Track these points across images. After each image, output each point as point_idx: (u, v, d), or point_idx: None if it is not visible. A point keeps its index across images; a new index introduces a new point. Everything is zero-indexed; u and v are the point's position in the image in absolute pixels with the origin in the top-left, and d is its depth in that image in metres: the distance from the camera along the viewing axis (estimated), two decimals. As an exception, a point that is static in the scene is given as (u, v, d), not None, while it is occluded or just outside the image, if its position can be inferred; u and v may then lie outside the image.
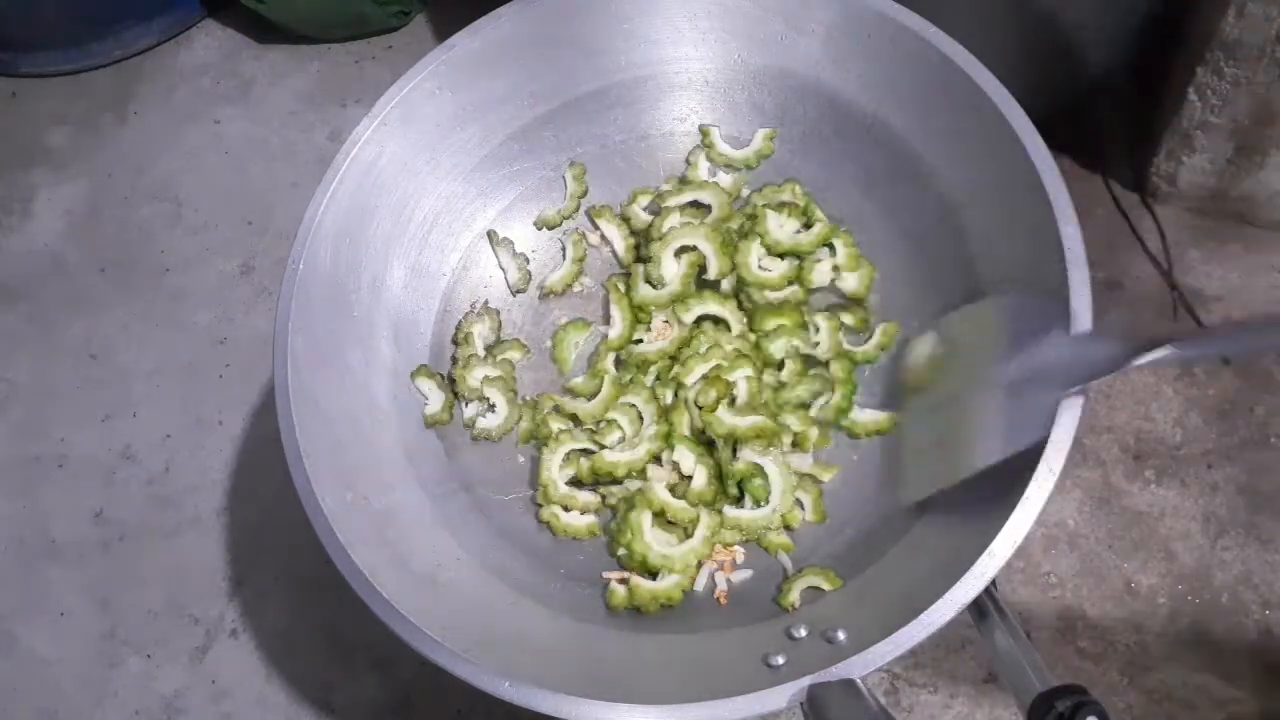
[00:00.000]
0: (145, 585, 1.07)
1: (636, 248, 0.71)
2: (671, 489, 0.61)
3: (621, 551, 0.60)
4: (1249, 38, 0.85)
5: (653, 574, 0.60)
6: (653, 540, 0.60)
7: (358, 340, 0.64)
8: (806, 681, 0.45)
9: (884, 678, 0.89)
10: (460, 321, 0.70)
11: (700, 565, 0.60)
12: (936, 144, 0.63)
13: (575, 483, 0.64)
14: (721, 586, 0.60)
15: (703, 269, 0.67)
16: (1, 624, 1.07)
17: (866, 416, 0.63)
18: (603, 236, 0.72)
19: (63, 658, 1.05)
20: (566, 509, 0.63)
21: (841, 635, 0.51)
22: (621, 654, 0.56)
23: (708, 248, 0.66)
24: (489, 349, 0.69)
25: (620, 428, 0.64)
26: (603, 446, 0.64)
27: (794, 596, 0.57)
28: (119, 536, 1.10)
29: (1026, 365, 0.51)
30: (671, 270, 0.67)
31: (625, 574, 0.60)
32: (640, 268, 0.68)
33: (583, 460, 0.63)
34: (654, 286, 0.67)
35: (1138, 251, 1.05)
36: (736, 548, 0.61)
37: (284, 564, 1.05)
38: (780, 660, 0.50)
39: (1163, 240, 1.04)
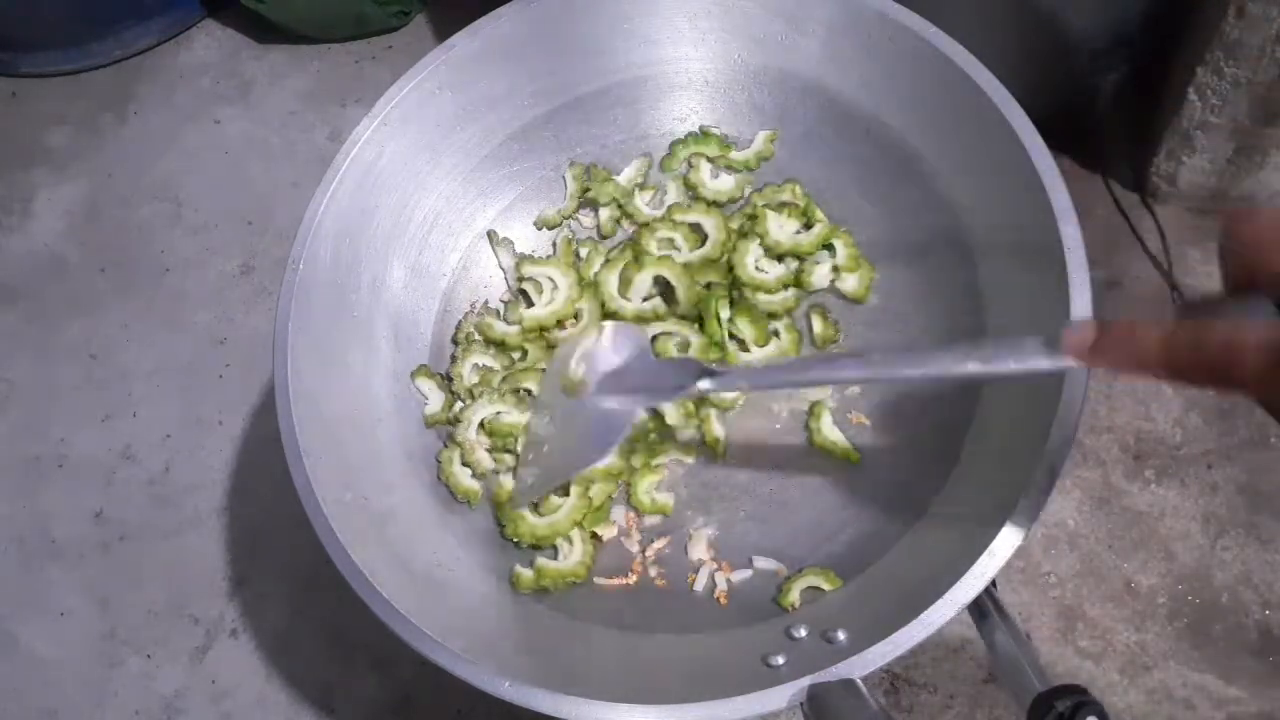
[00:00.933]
0: (145, 585, 1.07)
1: (618, 221, 0.72)
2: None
3: (516, 540, 0.62)
4: (1249, 38, 0.85)
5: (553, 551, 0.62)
6: (535, 519, 0.62)
7: (358, 340, 0.64)
8: (806, 682, 0.45)
9: (884, 678, 0.90)
10: (460, 321, 0.70)
11: (583, 523, 0.62)
12: (936, 144, 0.63)
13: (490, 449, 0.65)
14: (721, 586, 0.60)
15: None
16: (1, 624, 1.07)
17: (837, 437, 0.63)
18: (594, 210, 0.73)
19: (63, 658, 1.05)
20: (465, 462, 0.64)
21: (841, 635, 0.51)
22: (621, 654, 0.56)
23: (681, 289, 0.67)
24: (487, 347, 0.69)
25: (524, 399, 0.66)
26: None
27: (794, 596, 0.57)
28: (119, 536, 1.10)
29: (614, 383, 0.59)
30: (643, 287, 0.67)
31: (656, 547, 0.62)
32: (608, 250, 0.69)
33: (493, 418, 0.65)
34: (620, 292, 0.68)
35: (1138, 251, 1.05)
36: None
37: (284, 564, 1.05)
38: (780, 660, 0.50)
39: (1163, 240, 1.04)
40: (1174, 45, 0.99)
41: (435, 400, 0.66)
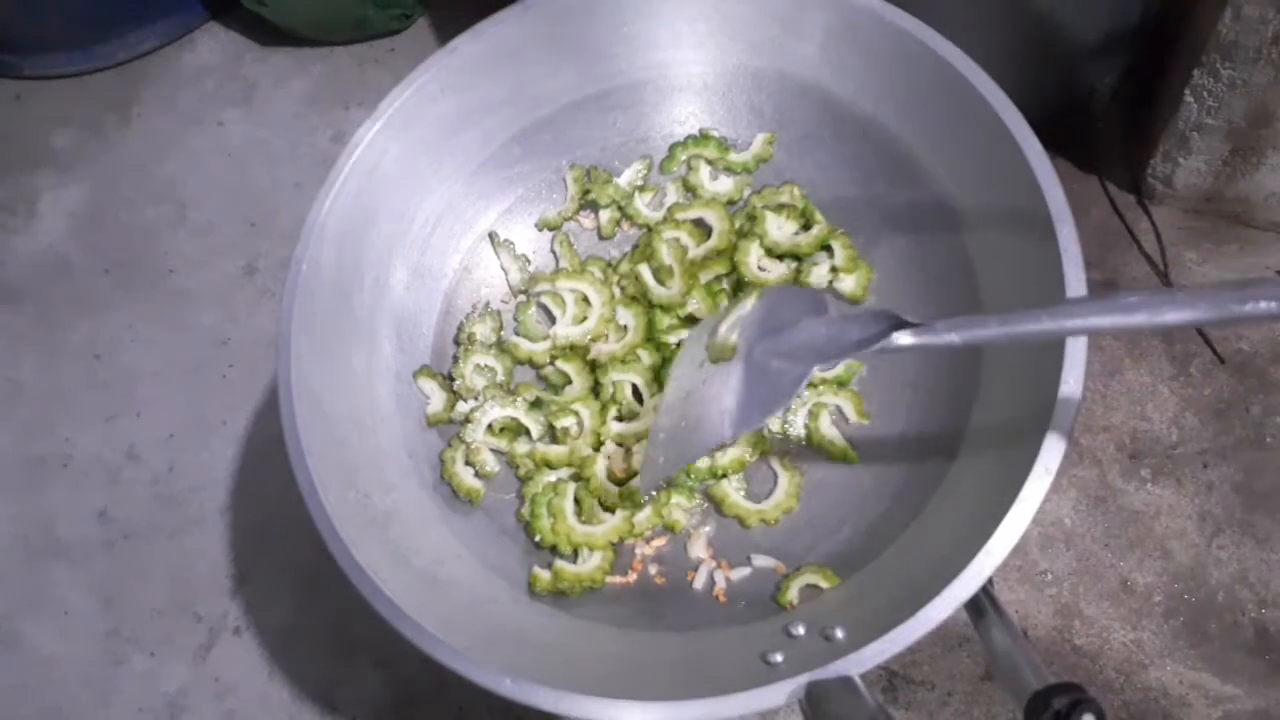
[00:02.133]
0: (149, 584, 1.07)
1: (618, 223, 0.72)
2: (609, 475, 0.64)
3: (539, 537, 0.62)
4: (1245, 40, 0.86)
5: (574, 557, 0.62)
6: (575, 522, 0.62)
7: (360, 341, 0.65)
8: (805, 679, 0.46)
9: (882, 675, 0.90)
10: (462, 322, 0.70)
11: (620, 543, 0.63)
12: (933, 146, 0.63)
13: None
14: (720, 584, 0.61)
15: None
16: (7, 622, 1.08)
17: (835, 436, 0.64)
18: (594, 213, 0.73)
19: (67, 656, 1.05)
20: (469, 462, 0.65)
21: (840, 633, 0.51)
22: (621, 651, 0.57)
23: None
24: (489, 348, 0.70)
25: (576, 415, 0.66)
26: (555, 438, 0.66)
27: (792, 594, 0.58)
28: (123, 535, 1.10)
29: (777, 345, 0.51)
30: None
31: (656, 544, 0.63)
32: (638, 269, 0.69)
33: (520, 444, 0.65)
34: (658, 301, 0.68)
35: (1134, 252, 1.05)
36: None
37: (287, 562, 1.05)
38: (779, 658, 0.51)
39: (1159, 241, 1.04)
40: (1170, 47, 0.99)
41: (437, 400, 0.67)
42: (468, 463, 0.65)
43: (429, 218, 0.70)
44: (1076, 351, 0.50)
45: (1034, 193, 0.54)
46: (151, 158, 1.36)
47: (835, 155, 0.68)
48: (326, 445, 0.57)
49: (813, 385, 0.65)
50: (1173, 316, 0.39)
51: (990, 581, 0.49)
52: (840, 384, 0.65)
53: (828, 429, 0.64)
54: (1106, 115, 1.10)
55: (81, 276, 1.28)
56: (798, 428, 0.65)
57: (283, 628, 1.03)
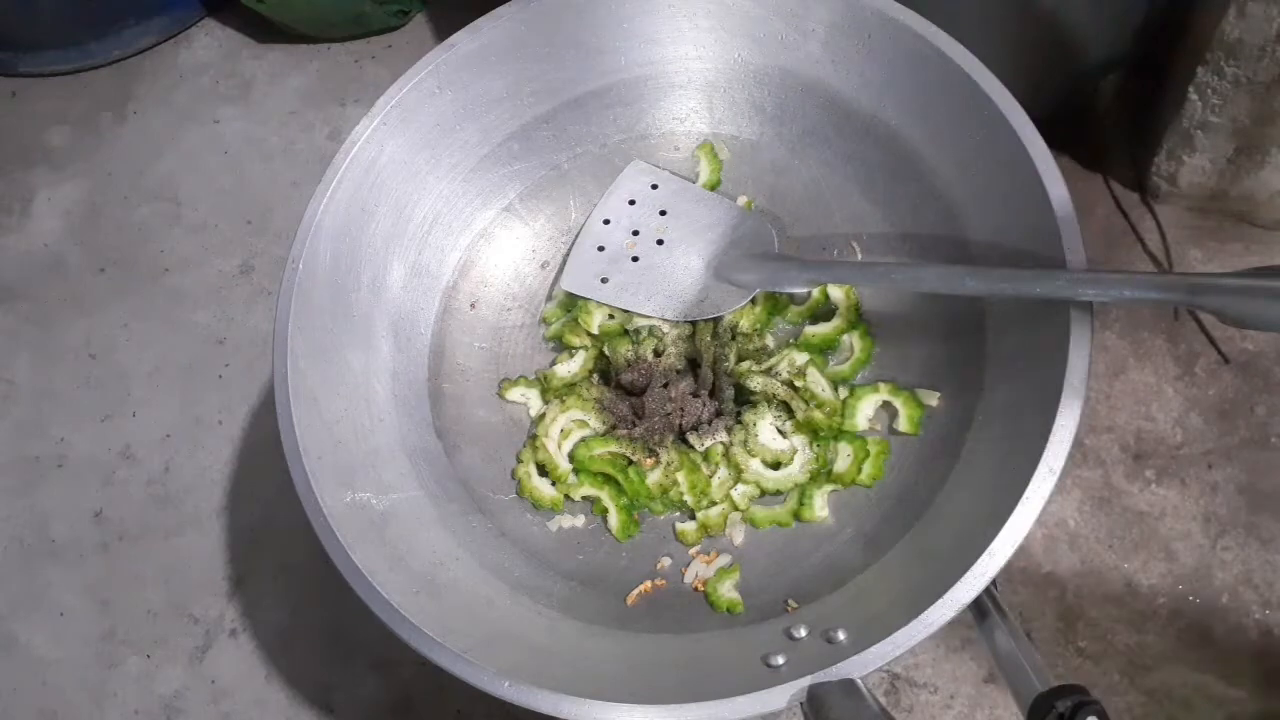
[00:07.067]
0: (145, 585, 1.07)
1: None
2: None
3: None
4: (1249, 37, 0.85)
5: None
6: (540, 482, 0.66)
7: (357, 340, 0.64)
8: (806, 681, 0.45)
9: (884, 678, 0.89)
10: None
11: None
12: (936, 143, 0.63)
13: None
14: (705, 575, 0.60)
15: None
16: (2, 625, 1.07)
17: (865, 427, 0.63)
18: None
19: (62, 658, 1.05)
20: (543, 472, 0.64)
21: (841, 635, 0.50)
22: (621, 654, 0.56)
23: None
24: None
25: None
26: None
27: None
28: (118, 536, 1.10)
29: (728, 268, 0.65)
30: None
31: (656, 583, 0.61)
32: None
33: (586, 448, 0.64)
34: None
35: (1138, 251, 1.05)
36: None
37: (283, 564, 1.05)
38: (780, 660, 0.50)
39: (1163, 239, 1.04)
40: (1175, 45, 0.98)
41: (535, 404, 0.67)
42: (541, 472, 0.64)
43: (427, 215, 0.69)
44: (1081, 350, 0.49)
45: (1037, 190, 0.53)
46: (147, 155, 1.35)
47: (837, 152, 0.68)
48: (323, 446, 0.57)
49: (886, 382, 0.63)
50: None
51: (993, 583, 0.49)
52: (907, 394, 0.62)
53: (865, 416, 0.62)
54: (1111, 113, 1.10)
55: (76, 275, 1.28)
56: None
57: (279, 630, 1.02)
